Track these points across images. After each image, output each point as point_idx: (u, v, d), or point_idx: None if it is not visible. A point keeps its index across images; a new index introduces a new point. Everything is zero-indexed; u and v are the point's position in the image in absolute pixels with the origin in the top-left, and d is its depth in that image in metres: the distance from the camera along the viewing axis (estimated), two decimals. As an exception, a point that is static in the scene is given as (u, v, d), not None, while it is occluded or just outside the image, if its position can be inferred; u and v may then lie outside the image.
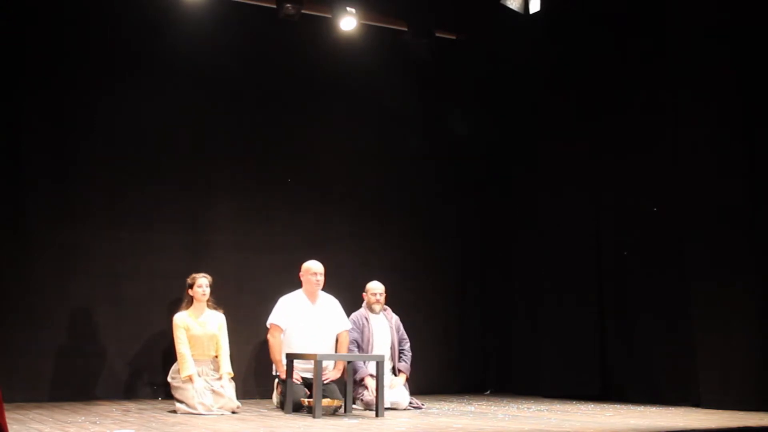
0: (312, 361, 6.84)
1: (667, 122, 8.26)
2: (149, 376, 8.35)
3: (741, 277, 7.38)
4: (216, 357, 7.23)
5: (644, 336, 8.37)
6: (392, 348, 7.65)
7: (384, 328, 7.64)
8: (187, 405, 6.86)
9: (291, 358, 6.92)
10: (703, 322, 7.63)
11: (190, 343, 7.13)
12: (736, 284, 7.40)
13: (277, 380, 7.52)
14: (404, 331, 7.86)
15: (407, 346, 7.79)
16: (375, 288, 7.77)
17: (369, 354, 7.44)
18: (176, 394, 7.01)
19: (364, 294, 7.82)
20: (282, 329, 7.39)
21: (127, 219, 8.44)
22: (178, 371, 7.08)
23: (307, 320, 7.43)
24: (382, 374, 6.79)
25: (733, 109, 7.57)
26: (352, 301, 8.00)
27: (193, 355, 7.10)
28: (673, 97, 8.17)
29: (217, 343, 7.23)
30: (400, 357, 7.69)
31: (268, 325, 7.48)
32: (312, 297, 7.54)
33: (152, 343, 8.38)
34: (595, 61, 9.02)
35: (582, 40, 9.14)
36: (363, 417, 6.70)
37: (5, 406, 4.34)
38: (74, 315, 8.16)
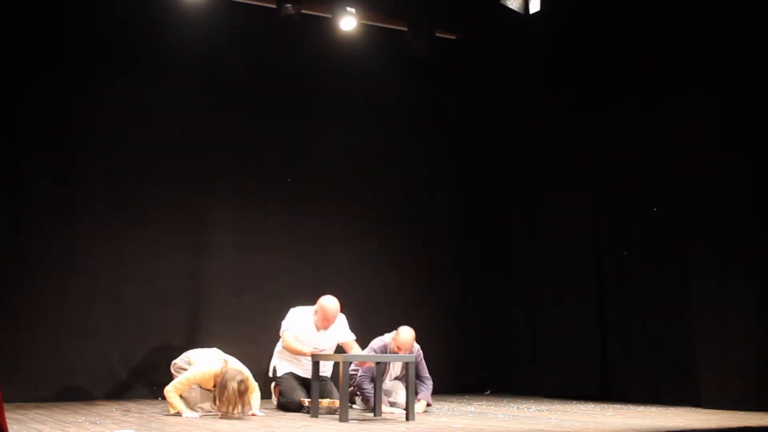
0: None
1: (667, 122, 8.26)
2: (149, 376, 8.35)
3: (741, 276, 7.38)
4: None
5: (644, 336, 8.36)
6: (398, 378, 7.51)
7: (397, 367, 7.48)
8: (187, 405, 6.80)
9: (316, 360, 6.81)
10: (703, 322, 7.63)
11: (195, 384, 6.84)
12: (736, 284, 7.40)
13: (274, 383, 7.51)
14: (425, 366, 7.47)
15: (429, 383, 7.43)
16: (404, 344, 7.15)
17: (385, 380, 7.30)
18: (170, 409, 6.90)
19: (394, 339, 7.22)
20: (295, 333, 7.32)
21: (127, 219, 8.44)
22: (180, 368, 6.99)
23: (314, 341, 7.32)
24: (412, 378, 6.61)
25: (734, 108, 7.56)
26: (351, 302, 7.98)
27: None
28: (673, 97, 8.17)
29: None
30: (420, 387, 7.36)
31: (281, 333, 7.36)
32: (321, 326, 7.42)
33: (152, 343, 8.39)
34: (595, 61, 9.02)
35: (582, 40, 9.14)
36: (363, 417, 6.70)
37: (5, 406, 4.34)
38: (74, 315, 8.15)
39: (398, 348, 7.17)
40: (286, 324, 7.35)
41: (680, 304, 7.96)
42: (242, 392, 6.44)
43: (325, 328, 7.37)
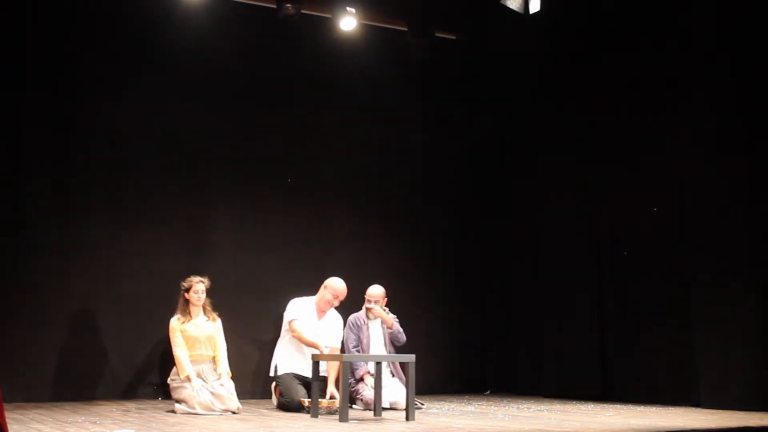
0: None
1: (667, 122, 8.26)
2: (149, 376, 8.36)
3: (741, 276, 7.38)
4: (214, 357, 7.25)
5: (644, 336, 8.36)
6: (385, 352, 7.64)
7: (378, 335, 7.63)
8: (186, 405, 6.87)
9: (316, 359, 6.84)
10: (703, 322, 7.63)
11: (188, 344, 7.15)
12: (736, 284, 7.39)
13: (275, 383, 7.52)
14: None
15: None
16: (371, 295, 7.66)
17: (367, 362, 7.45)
18: (175, 395, 7.03)
19: (366, 298, 7.72)
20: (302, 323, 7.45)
21: (127, 219, 8.44)
22: (177, 373, 7.10)
23: (310, 334, 7.43)
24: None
25: (733, 109, 7.56)
26: (350, 302, 7.99)
27: (191, 357, 7.12)
28: (673, 97, 8.17)
29: (214, 344, 7.25)
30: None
31: (287, 325, 7.51)
32: (320, 312, 7.57)
33: (152, 343, 8.38)
34: (595, 61, 9.01)
35: (582, 40, 9.13)
36: (363, 417, 6.70)
37: (5, 406, 4.34)
38: (74, 315, 8.16)
39: (369, 301, 7.59)
40: (291, 314, 7.48)
41: (680, 304, 7.95)
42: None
43: (329, 307, 7.55)
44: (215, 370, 7.19)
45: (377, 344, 7.62)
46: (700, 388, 7.59)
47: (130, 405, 7.57)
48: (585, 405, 7.98)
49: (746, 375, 7.24)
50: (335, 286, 7.53)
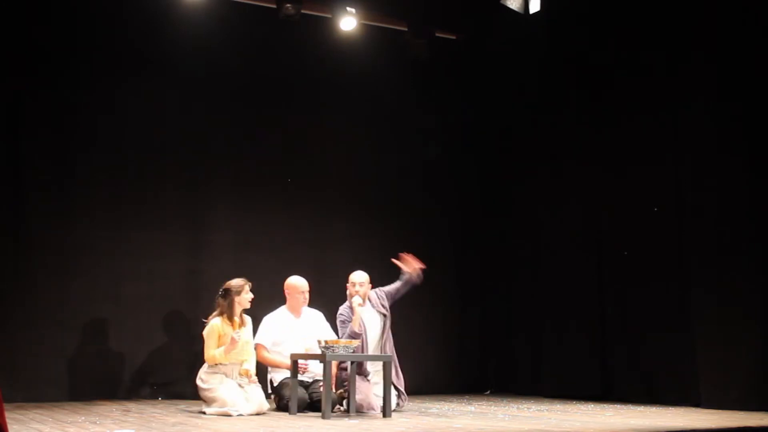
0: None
1: (668, 123, 8.25)
2: (149, 376, 8.36)
3: (741, 277, 7.38)
4: (242, 361, 7.02)
5: (644, 336, 8.36)
6: (381, 339, 7.39)
7: (374, 323, 7.32)
8: (217, 405, 6.71)
9: (295, 358, 6.83)
10: (703, 323, 7.63)
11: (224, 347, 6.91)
12: (736, 284, 7.39)
13: (271, 389, 7.46)
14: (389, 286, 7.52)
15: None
16: (356, 279, 7.25)
17: (366, 352, 7.31)
18: (208, 394, 6.82)
19: (347, 286, 7.30)
20: (267, 349, 7.30)
21: (127, 219, 8.45)
22: (208, 372, 6.91)
23: (293, 336, 7.34)
24: (389, 374, 6.70)
25: (734, 114, 7.55)
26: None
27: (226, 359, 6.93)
28: (673, 97, 8.16)
29: (248, 350, 7.04)
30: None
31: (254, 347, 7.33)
32: (296, 312, 7.47)
33: (152, 343, 8.40)
34: (595, 62, 9.01)
35: (582, 40, 9.13)
36: (362, 417, 6.70)
37: (5, 406, 4.33)
38: (74, 315, 8.16)
39: (353, 285, 7.21)
40: (258, 337, 7.30)
41: (680, 304, 7.96)
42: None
43: (298, 309, 7.41)
44: (241, 373, 7.00)
45: (374, 332, 7.32)
46: (700, 388, 7.59)
47: (130, 405, 7.57)
48: (585, 405, 7.98)
49: (746, 375, 7.24)
50: (294, 284, 7.42)
